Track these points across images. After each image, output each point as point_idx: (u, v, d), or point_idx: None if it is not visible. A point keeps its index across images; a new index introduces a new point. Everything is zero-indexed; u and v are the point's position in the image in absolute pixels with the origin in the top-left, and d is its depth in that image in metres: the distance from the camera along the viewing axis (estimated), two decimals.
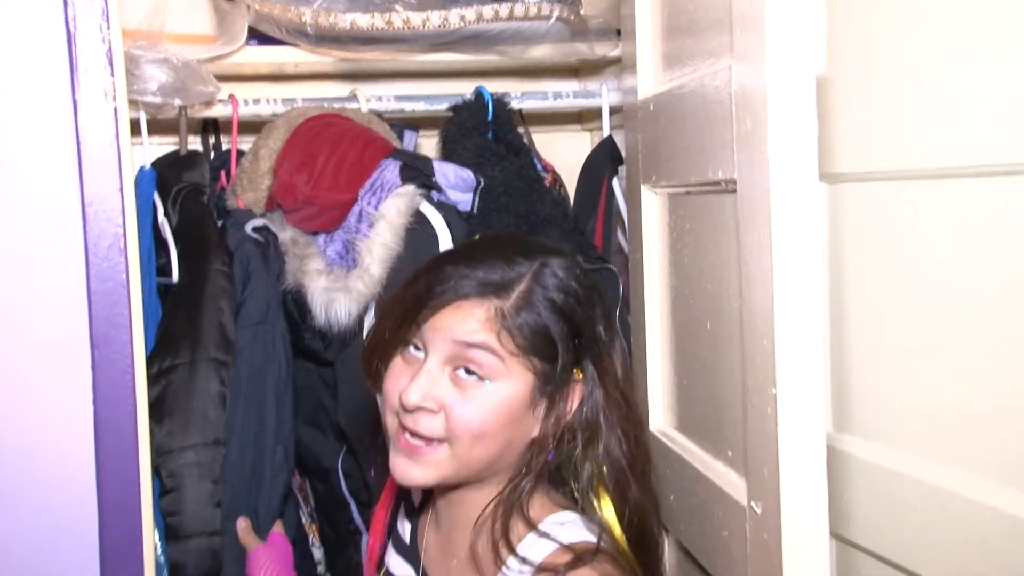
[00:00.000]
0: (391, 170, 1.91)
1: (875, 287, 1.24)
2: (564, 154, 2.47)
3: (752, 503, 1.26)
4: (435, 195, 1.92)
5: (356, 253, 1.87)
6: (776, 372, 1.16)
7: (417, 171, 1.91)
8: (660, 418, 1.69)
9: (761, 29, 1.15)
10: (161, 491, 1.80)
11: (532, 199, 1.95)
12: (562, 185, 2.43)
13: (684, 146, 1.46)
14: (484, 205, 1.92)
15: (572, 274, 1.24)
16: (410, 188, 1.89)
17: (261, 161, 1.98)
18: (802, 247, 1.15)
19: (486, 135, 2.03)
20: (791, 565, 1.17)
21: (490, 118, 2.08)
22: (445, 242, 1.88)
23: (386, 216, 1.86)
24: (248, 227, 1.90)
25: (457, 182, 1.93)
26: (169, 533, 1.80)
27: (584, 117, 2.59)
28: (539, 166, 2.43)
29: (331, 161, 1.90)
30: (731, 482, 1.36)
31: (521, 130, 2.47)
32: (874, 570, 1.27)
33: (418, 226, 1.88)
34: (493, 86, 2.29)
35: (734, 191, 1.26)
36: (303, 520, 2.15)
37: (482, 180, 1.94)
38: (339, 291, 1.85)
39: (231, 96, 2.03)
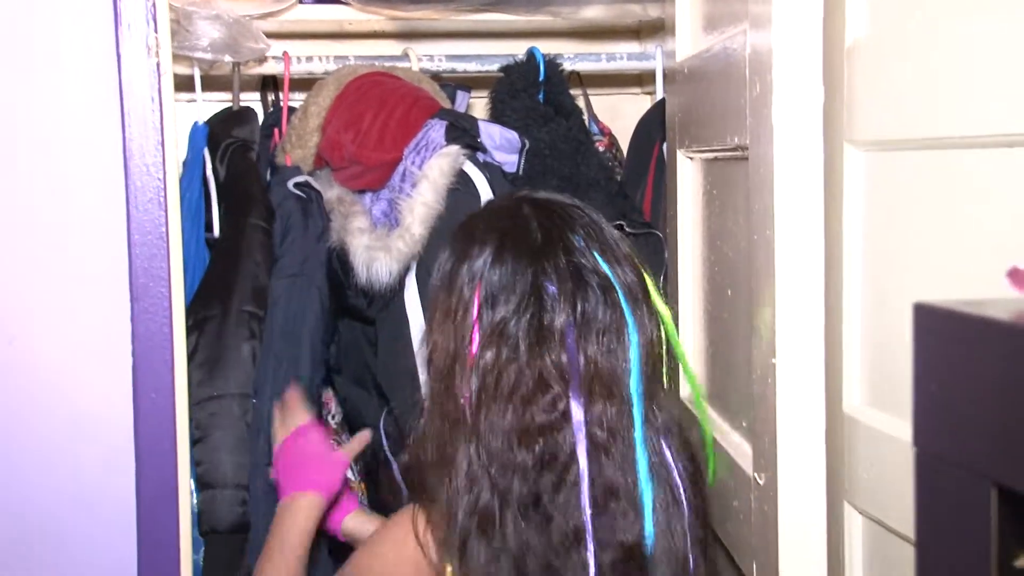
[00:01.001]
0: (436, 130, 1.91)
1: (910, 257, 1.20)
2: (624, 117, 2.45)
3: (756, 474, 1.25)
4: (480, 156, 1.91)
5: (398, 212, 1.88)
6: (776, 342, 1.15)
7: (463, 131, 1.91)
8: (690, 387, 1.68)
9: None
10: (191, 440, 1.83)
11: (577, 161, 1.94)
12: (618, 149, 2.41)
13: (709, 111, 1.44)
14: (529, 166, 1.91)
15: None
16: (454, 148, 1.88)
17: (310, 118, 2.00)
18: (804, 215, 1.13)
19: (536, 96, 2.02)
20: (786, 539, 1.16)
21: (542, 79, 2.06)
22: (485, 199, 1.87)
23: (429, 176, 1.87)
24: (290, 183, 1.92)
25: (503, 143, 1.92)
26: (198, 482, 1.84)
27: (643, 80, 2.56)
28: (595, 129, 2.42)
29: (377, 120, 1.90)
30: (743, 452, 1.35)
31: (578, 92, 2.47)
32: (890, 542, 1.24)
33: (461, 186, 1.88)
34: (549, 47, 2.28)
35: (747, 157, 1.24)
36: (352, 478, 2.18)
37: (527, 142, 1.93)
38: (380, 250, 1.86)
39: (284, 53, 2.06)
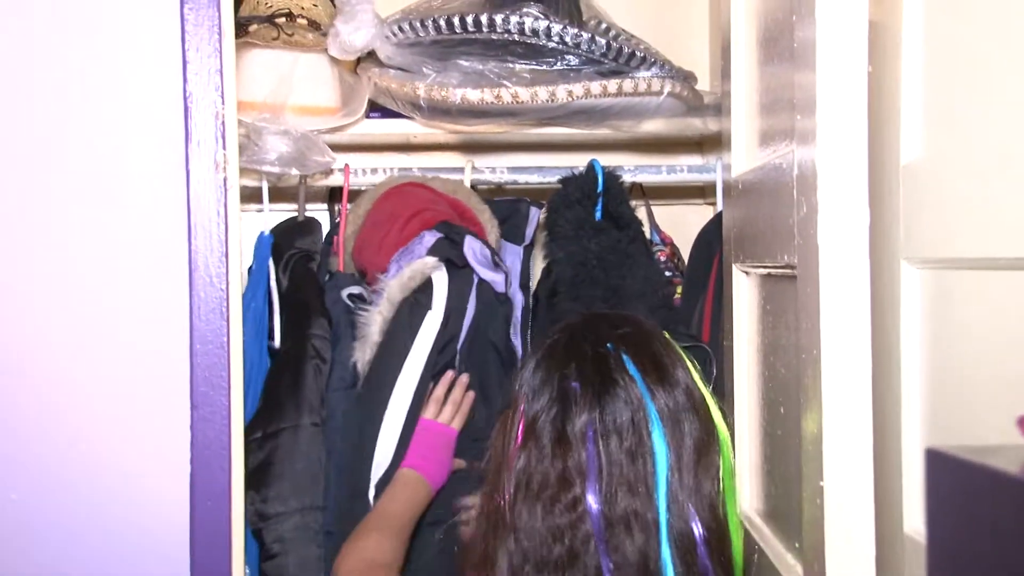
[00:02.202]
0: (425, 240, 1.99)
1: (971, 376, 1.18)
2: (687, 227, 2.46)
3: None
4: (478, 274, 1.96)
5: (364, 322, 1.97)
6: (823, 464, 1.13)
7: (450, 243, 1.97)
8: (747, 502, 1.65)
9: (812, 113, 1.13)
10: (265, 555, 1.85)
11: (623, 273, 1.96)
12: (680, 258, 2.42)
13: (762, 227, 1.44)
14: (576, 275, 1.94)
15: None
16: (427, 260, 1.95)
17: (349, 226, 2.11)
18: (851, 336, 1.12)
19: (592, 207, 2.05)
20: None
21: (600, 190, 2.09)
22: (435, 314, 1.92)
23: (389, 290, 1.95)
24: (343, 293, 1.98)
25: (480, 259, 1.97)
26: None
27: (706, 191, 2.58)
28: (657, 239, 2.43)
29: (381, 230, 2.02)
30: (797, 575, 1.32)
31: (640, 203, 2.49)
32: None
33: (419, 295, 1.94)
34: (610, 159, 2.31)
35: (796, 276, 1.24)
36: None
37: (508, 273, 1.99)
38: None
39: (345, 166, 2.12)
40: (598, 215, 2.06)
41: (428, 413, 1.83)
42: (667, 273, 2.36)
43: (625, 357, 1.32)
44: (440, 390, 1.86)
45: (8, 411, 1.63)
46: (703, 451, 1.30)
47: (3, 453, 1.63)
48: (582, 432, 1.27)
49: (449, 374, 1.89)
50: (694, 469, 1.29)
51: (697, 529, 1.26)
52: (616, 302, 1.91)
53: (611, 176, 2.12)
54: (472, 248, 1.97)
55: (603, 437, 1.27)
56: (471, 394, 1.90)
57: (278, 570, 1.83)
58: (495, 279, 1.98)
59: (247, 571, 1.82)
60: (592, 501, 1.24)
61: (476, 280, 1.96)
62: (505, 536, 1.29)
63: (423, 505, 1.74)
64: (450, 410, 1.85)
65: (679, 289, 2.34)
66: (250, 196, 2.09)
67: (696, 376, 1.38)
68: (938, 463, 0.50)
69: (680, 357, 1.38)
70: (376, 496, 1.85)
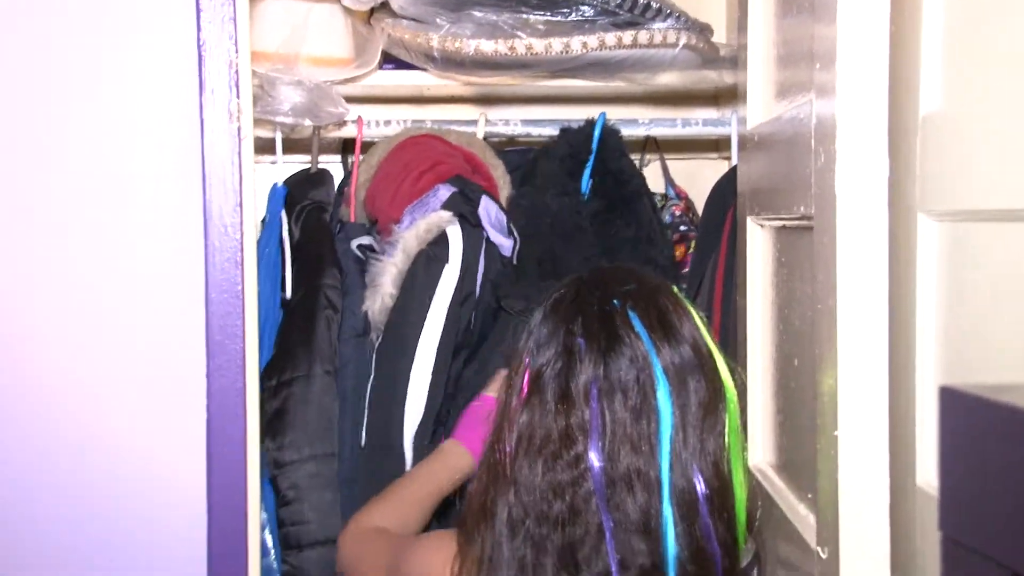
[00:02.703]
0: (439, 194, 1.99)
1: (987, 328, 1.18)
2: (703, 181, 2.44)
3: (819, 548, 1.23)
4: (486, 233, 1.97)
5: (377, 273, 1.96)
6: (839, 414, 1.13)
7: (464, 199, 1.96)
8: (759, 454, 1.66)
9: (833, 64, 1.12)
10: (281, 502, 1.87)
11: (569, 242, 1.99)
12: (695, 214, 2.41)
13: (778, 179, 1.44)
14: (529, 226, 1.99)
15: None
16: (442, 214, 1.95)
17: (361, 175, 2.12)
18: (868, 286, 1.12)
19: (579, 162, 2.05)
20: None
21: (595, 145, 2.08)
22: (452, 267, 1.92)
23: (404, 240, 1.94)
24: (353, 244, 1.98)
25: (495, 223, 1.97)
26: (289, 542, 1.86)
27: (721, 145, 2.56)
28: (672, 193, 2.42)
29: (395, 181, 2.02)
30: (808, 525, 1.33)
31: (655, 157, 2.48)
32: None
33: (434, 249, 1.93)
34: (625, 112, 2.31)
35: (813, 227, 1.24)
36: None
37: (517, 239, 1.98)
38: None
39: (359, 118, 2.11)
40: (587, 174, 2.06)
41: (491, 390, 1.79)
42: (682, 227, 2.35)
43: (632, 314, 1.30)
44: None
45: (27, 358, 1.64)
46: (709, 409, 1.29)
47: (22, 403, 1.64)
48: (586, 389, 1.27)
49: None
50: (699, 428, 1.28)
51: (700, 487, 1.26)
52: (552, 269, 1.93)
53: (609, 131, 2.11)
54: (487, 210, 1.97)
55: (607, 395, 1.26)
56: None
57: (293, 516, 1.85)
58: (504, 243, 1.98)
59: (264, 516, 1.84)
60: (594, 459, 1.24)
61: (485, 240, 1.97)
62: (505, 489, 1.29)
63: (459, 479, 1.70)
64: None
65: (692, 244, 2.34)
66: (263, 147, 2.08)
67: (704, 332, 1.36)
68: (952, 401, 0.50)
69: (688, 312, 1.35)
70: (413, 448, 1.87)
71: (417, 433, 1.87)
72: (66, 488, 1.64)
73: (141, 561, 1.67)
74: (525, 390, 1.31)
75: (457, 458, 1.70)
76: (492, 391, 1.76)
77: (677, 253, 2.37)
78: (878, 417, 1.13)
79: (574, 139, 2.08)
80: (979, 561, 0.48)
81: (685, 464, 1.25)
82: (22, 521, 1.64)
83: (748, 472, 1.40)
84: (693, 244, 2.31)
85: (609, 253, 2.01)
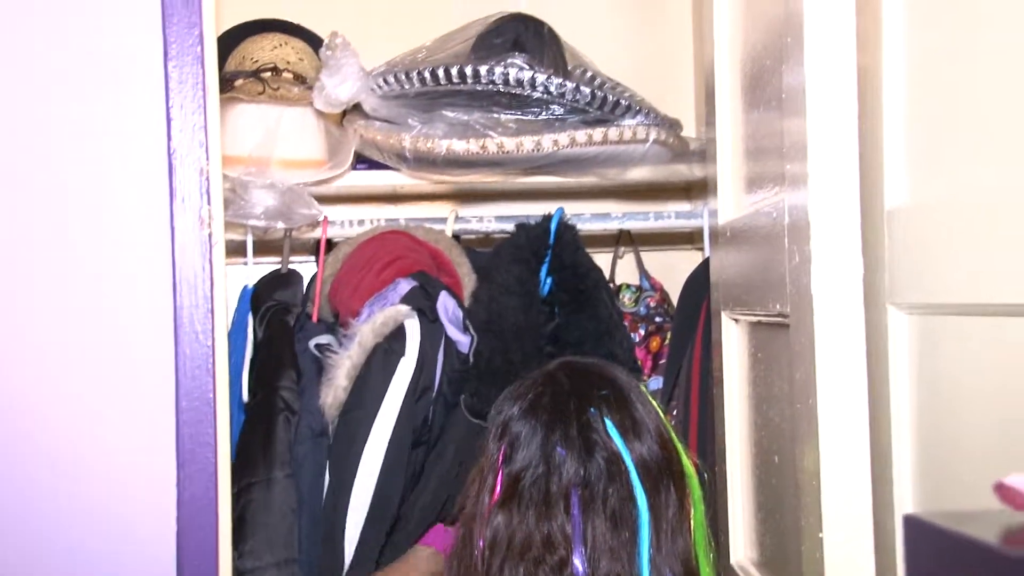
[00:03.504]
0: (399, 288, 2.00)
1: (961, 423, 1.17)
2: (678, 273, 2.45)
3: None
4: (446, 332, 1.97)
5: (332, 365, 1.96)
6: (823, 515, 1.12)
7: (424, 294, 1.97)
8: (740, 552, 1.64)
9: (804, 159, 1.13)
10: None
11: (533, 337, 2.01)
12: (670, 304, 2.41)
13: (752, 275, 1.44)
14: (490, 323, 2.00)
15: None
16: (400, 308, 1.95)
17: (328, 269, 2.14)
18: (847, 387, 1.11)
19: (538, 258, 2.07)
20: None
21: (551, 240, 2.09)
22: (408, 361, 1.92)
23: (361, 334, 1.94)
24: (311, 343, 1.98)
25: (452, 319, 1.98)
26: None
27: (695, 237, 2.58)
28: (647, 284, 2.43)
29: (357, 275, 2.04)
30: None
31: (630, 249, 2.49)
32: None
33: (391, 342, 1.94)
34: (598, 207, 2.33)
35: (789, 325, 1.23)
36: None
37: (474, 337, 1.98)
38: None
39: (324, 219, 2.12)
40: (544, 270, 2.07)
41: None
42: (657, 319, 2.35)
43: (608, 423, 1.32)
44: None
45: None
46: (678, 510, 1.31)
47: None
48: (566, 497, 1.28)
49: None
50: (672, 531, 1.30)
51: None
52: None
53: (564, 226, 2.12)
54: (445, 305, 1.97)
55: (588, 503, 1.28)
56: None
57: None
58: (461, 340, 1.98)
59: None
60: (579, 564, 1.25)
61: (444, 336, 1.96)
62: None
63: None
64: None
65: (668, 336, 2.34)
66: (235, 249, 2.08)
67: (669, 428, 1.39)
68: (916, 530, 0.49)
69: (656, 411, 1.38)
70: (359, 542, 1.85)
71: (365, 527, 1.84)
72: None
73: None
74: (498, 490, 1.32)
75: (429, 560, 1.73)
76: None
77: (653, 344, 2.37)
78: (862, 518, 1.12)
79: (532, 234, 2.08)
80: None
81: (659, 568, 1.27)
82: None
83: (713, 561, 1.41)
84: (669, 336, 2.31)
85: (569, 348, 2.01)
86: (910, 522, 0.50)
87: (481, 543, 1.31)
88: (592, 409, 1.33)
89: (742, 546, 1.63)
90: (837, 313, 1.12)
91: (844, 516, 1.11)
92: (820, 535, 1.12)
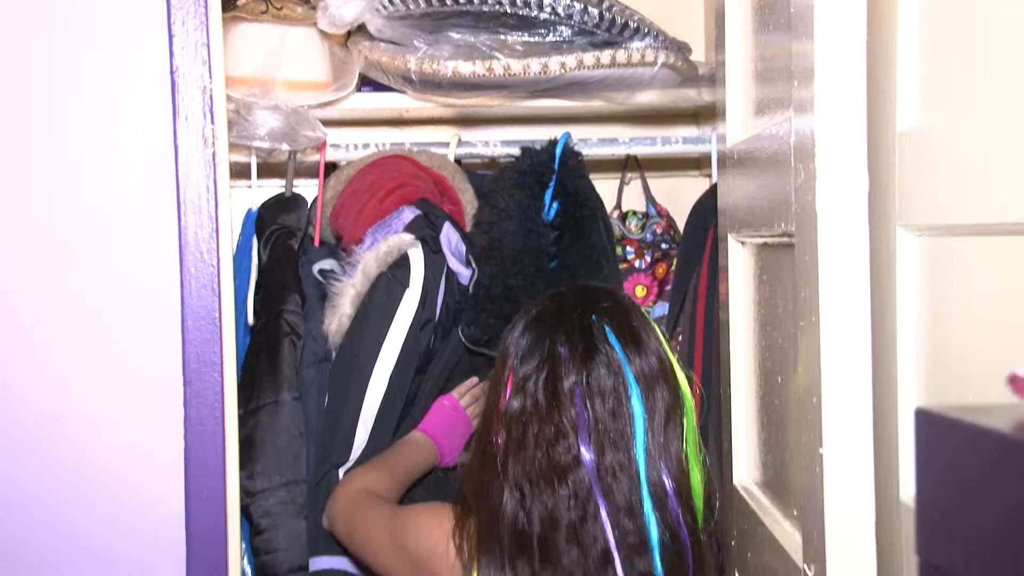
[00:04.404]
0: (403, 216, 1.99)
1: (967, 343, 1.17)
2: (684, 199, 2.44)
3: (805, 565, 1.21)
4: (449, 263, 1.97)
5: (336, 293, 1.96)
6: (823, 431, 1.12)
7: (428, 223, 1.97)
8: (744, 473, 1.65)
9: (811, 81, 1.12)
10: (254, 531, 1.84)
11: (534, 267, 1.99)
12: (676, 231, 2.41)
13: (758, 196, 1.43)
14: (490, 250, 1.99)
15: None
16: (404, 237, 1.94)
17: (327, 192, 2.13)
18: (850, 303, 1.11)
19: (541, 184, 2.05)
20: None
21: (556, 166, 2.07)
22: (413, 292, 1.92)
23: (364, 262, 1.94)
24: (315, 268, 1.98)
25: (455, 252, 1.97)
26: (265, 571, 1.84)
27: (702, 163, 2.56)
28: (653, 211, 2.42)
29: (360, 201, 2.02)
30: (795, 542, 1.32)
31: (636, 175, 2.47)
32: None
33: (395, 271, 1.93)
34: (604, 131, 2.31)
35: (794, 244, 1.23)
36: None
37: (475, 270, 1.97)
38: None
39: (323, 143, 2.10)
40: (548, 196, 2.05)
41: (455, 393, 1.95)
42: (663, 245, 2.35)
43: (607, 329, 1.45)
44: (473, 381, 1.98)
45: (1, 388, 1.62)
46: (671, 415, 1.44)
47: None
48: (571, 391, 1.41)
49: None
50: (664, 430, 1.43)
51: (668, 482, 1.41)
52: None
53: (569, 151, 2.09)
54: (448, 237, 1.96)
55: (589, 397, 1.41)
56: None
57: (267, 544, 1.83)
58: (462, 272, 1.98)
59: (243, 547, 1.82)
60: (585, 451, 1.39)
61: (446, 267, 1.96)
62: (499, 476, 1.44)
63: (424, 468, 1.84)
64: (469, 399, 1.95)
65: (674, 262, 2.33)
66: (239, 172, 2.07)
67: (666, 346, 1.50)
68: (928, 423, 0.49)
69: (653, 329, 1.50)
70: (351, 468, 1.87)
71: (361, 456, 1.85)
72: (43, 519, 1.62)
73: None
74: (509, 391, 1.45)
75: (427, 450, 1.85)
76: (458, 394, 1.94)
77: (659, 271, 2.36)
78: (862, 434, 1.12)
79: (536, 159, 2.06)
80: None
81: (655, 460, 1.41)
82: None
83: (705, 470, 1.52)
84: (675, 262, 2.31)
85: (565, 271, 2.01)
86: (921, 416, 0.50)
87: (498, 439, 1.45)
88: (594, 317, 1.45)
89: (745, 467, 1.64)
90: (841, 229, 1.11)
91: (844, 432, 1.11)
92: (820, 451, 1.13)
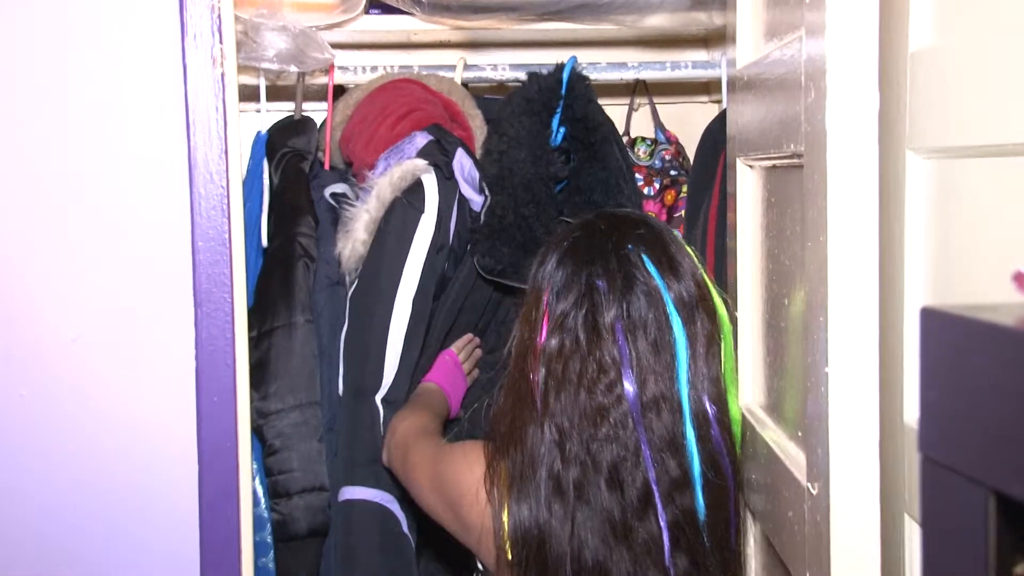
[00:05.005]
0: (415, 142, 1.98)
1: (976, 265, 1.17)
2: (693, 125, 2.43)
3: (809, 484, 1.23)
4: (462, 189, 1.96)
5: (350, 218, 1.96)
6: (829, 351, 1.13)
7: (440, 149, 1.96)
8: (750, 396, 1.66)
9: (822, 1, 1.11)
10: (267, 452, 1.87)
11: (544, 193, 1.99)
12: (685, 158, 2.40)
13: (768, 118, 1.42)
14: (500, 178, 2.00)
15: None
16: (417, 162, 1.94)
17: (337, 115, 2.12)
18: (859, 221, 1.11)
19: (549, 109, 2.04)
20: (839, 549, 1.14)
21: (563, 91, 2.06)
22: (428, 217, 1.92)
23: (379, 187, 1.94)
24: (326, 192, 1.98)
25: (468, 178, 1.97)
26: (277, 491, 1.87)
27: (711, 88, 2.55)
28: (662, 137, 2.41)
29: (372, 125, 2.02)
30: (798, 463, 1.33)
31: (644, 101, 2.46)
32: None
33: (409, 197, 1.93)
34: (615, 55, 2.29)
35: (803, 164, 1.23)
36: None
37: (487, 197, 1.97)
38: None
39: (331, 66, 2.09)
40: (556, 122, 2.04)
41: (455, 347, 1.97)
42: (672, 172, 2.34)
43: (645, 257, 1.42)
44: (468, 338, 2.01)
45: (9, 310, 1.63)
46: (711, 340, 1.43)
47: (8, 348, 1.63)
48: (612, 326, 1.39)
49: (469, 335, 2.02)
50: (705, 357, 1.42)
51: (711, 409, 1.41)
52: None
53: (576, 77, 2.08)
54: (461, 164, 1.96)
55: (630, 331, 1.39)
56: (478, 352, 2.05)
57: (280, 465, 1.86)
58: (474, 199, 1.98)
59: (254, 467, 1.84)
60: (628, 386, 1.37)
61: (458, 193, 1.96)
62: (535, 416, 1.42)
63: (445, 418, 1.86)
64: (466, 355, 1.99)
65: (683, 189, 2.33)
66: (248, 95, 2.06)
67: (702, 269, 1.49)
68: (933, 322, 0.50)
69: (689, 253, 1.48)
70: (388, 393, 1.89)
71: (395, 381, 1.87)
72: (54, 440, 1.64)
73: (132, 512, 1.66)
74: (545, 328, 1.42)
75: (443, 399, 1.87)
76: (456, 349, 1.98)
77: (667, 198, 2.36)
78: (868, 353, 1.12)
79: (543, 84, 2.05)
80: (956, 479, 0.48)
81: (698, 389, 1.40)
82: (4, 472, 1.64)
83: (738, 390, 1.57)
84: (684, 189, 2.30)
85: (580, 195, 2.01)
86: (927, 314, 0.50)
87: (536, 378, 1.42)
88: (630, 246, 1.42)
89: (751, 390, 1.65)
90: (851, 147, 1.11)
91: (850, 351, 1.12)
92: (826, 370, 1.14)
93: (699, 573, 1.41)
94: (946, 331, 0.48)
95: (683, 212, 2.30)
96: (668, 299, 1.40)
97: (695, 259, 1.48)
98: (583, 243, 1.45)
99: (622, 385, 1.37)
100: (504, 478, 1.44)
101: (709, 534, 1.40)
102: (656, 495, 1.37)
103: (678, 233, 1.53)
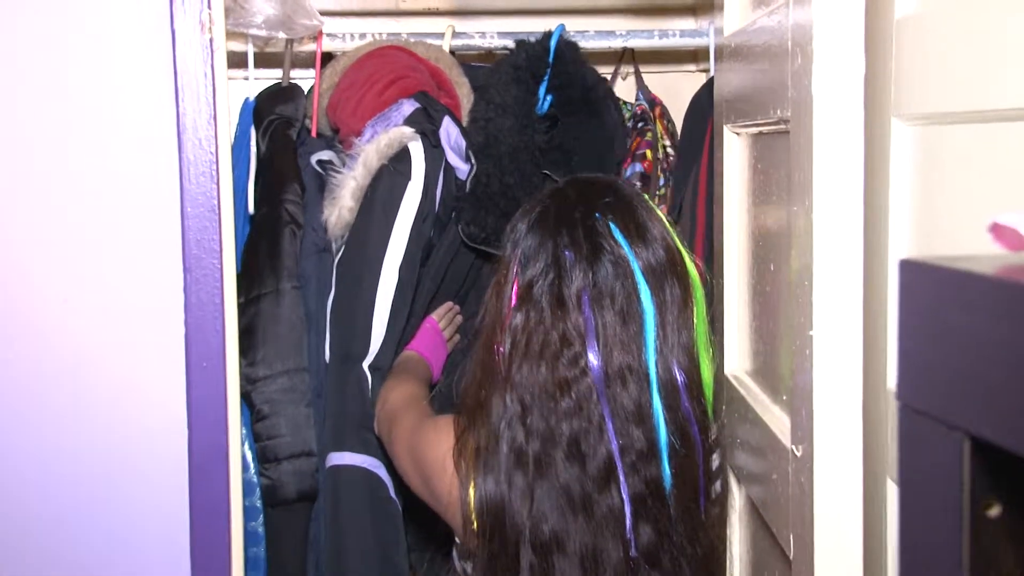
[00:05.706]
0: (402, 109, 1.99)
1: (960, 232, 1.18)
2: (681, 94, 2.44)
3: (793, 446, 1.24)
4: (448, 158, 1.97)
5: (337, 185, 1.97)
6: (813, 313, 1.14)
7: (427, 117, 1.97)
8: (735, 362, 1.68)
9: None
10: (256, 417, 1.88)
11: (530, 161, 2.00)
12: (670, 121, 2.40)
13: (754, 84, 1.43)
14: (486, 146, 2.00)
15: None
16: (403, 130, 1.94)
17: (324, 82, 2.12)
18: (844, 185, 1.12)
19: (536, 77, 2.04)
20: (822, 510, 1.16)
21: (551, 59, 2.06)
22: (415, 184, 1.93)
23: (365, 154, 1.94)
24: (313, 159, 1.98)
25: (455, 146, 1.97)
26: (266, 455, 1.88)
27: (699, 57, 2.55)
28: (643, 99, 2.41)
29: (358, 92, 2.02)
30: (783, 426, 1.35)
31: (630, 69, 2.46)
32: None
33: (395, 165, 1.94)
34: (603, 23, 2.29)
35: (789, 130, 1.23)
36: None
37: (474, 165, 1.97)
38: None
39: (319, 32, 2.09)
40: (542, 90, 2.05)
41: (436, 315, 1.97)
42: (639, 124, 2.33)
43: (612, 225, 1.41)
44: (449, 306, 2.01)
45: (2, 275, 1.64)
46: (682, 306, 1.43)
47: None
48: (578, 296, 1.38)
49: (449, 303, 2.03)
50: (675, 323, 1.42)
51: (680, 377, 1.41)
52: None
53: (566, 44, 2.08)
54: (448, 132, 1.97)
55: (597, 301, 1.38)
56: (459, 319, 2.05)
57: (269, 430, 1.87)
58: (460, 167, 1.98)
59: (243, 432, 1.86)
60: (593, 358, 1.36)
61: (444, 161, 1.96)
62: (501, 387, 1.41)
63: (428, 385, 1.86)
64: (446, 322, 1.99)
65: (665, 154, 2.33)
66: (236, 62, 2.06)
67: (673, 233, 1.48)
68: (911, 272, 0.51)
69: (660, 218, 1.48)
70: (373, 363, 1.90)
71: (381, 348, 1.88)
72: (43, 403, 1.65)
73: (122, 476, 1.68)
74: (515, 299, 1.41)
75: (425, 367, 1.88)
76: (437, 316, 1.98)
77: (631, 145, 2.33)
78: (852, 316, 1.14)
79: (531, 52, 2.06)
80: (932, 424, 0.49)
81: (666, 358, 1.39)
82: None
83: (714, 361, 1.55)
84: (648, 136, 2.29)
85: (566, 154, 2.01)
86: (905, 266, 0.51)
87: (502, 348, 1.41)
88: (597, 215, 1.41)
89: (737, 357, 1.67)
90: (837, 111, 1.12)
91: (834, 314, 1.14)
92: (810, 333, 1.15)
93: (664, 543, 1.41)
94: (924, 281, 0.49)
95: (646, 151, 2.30)
96: (636, 267, 1.39)
97: (667, 225, 1.47)
98: (552, 212, 1.44)
99: (587, 357, 1.36)
100: (471, 451, 1.43)
101: (676, 504, 1.40)
102: (619, 467, 1.36)
103: (649, 199, 1.53)
